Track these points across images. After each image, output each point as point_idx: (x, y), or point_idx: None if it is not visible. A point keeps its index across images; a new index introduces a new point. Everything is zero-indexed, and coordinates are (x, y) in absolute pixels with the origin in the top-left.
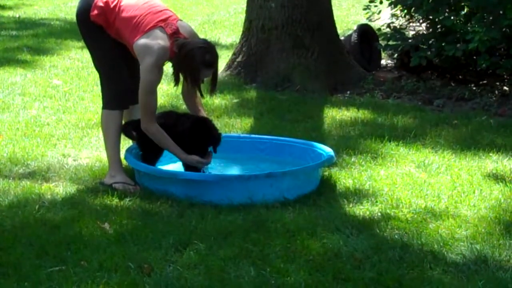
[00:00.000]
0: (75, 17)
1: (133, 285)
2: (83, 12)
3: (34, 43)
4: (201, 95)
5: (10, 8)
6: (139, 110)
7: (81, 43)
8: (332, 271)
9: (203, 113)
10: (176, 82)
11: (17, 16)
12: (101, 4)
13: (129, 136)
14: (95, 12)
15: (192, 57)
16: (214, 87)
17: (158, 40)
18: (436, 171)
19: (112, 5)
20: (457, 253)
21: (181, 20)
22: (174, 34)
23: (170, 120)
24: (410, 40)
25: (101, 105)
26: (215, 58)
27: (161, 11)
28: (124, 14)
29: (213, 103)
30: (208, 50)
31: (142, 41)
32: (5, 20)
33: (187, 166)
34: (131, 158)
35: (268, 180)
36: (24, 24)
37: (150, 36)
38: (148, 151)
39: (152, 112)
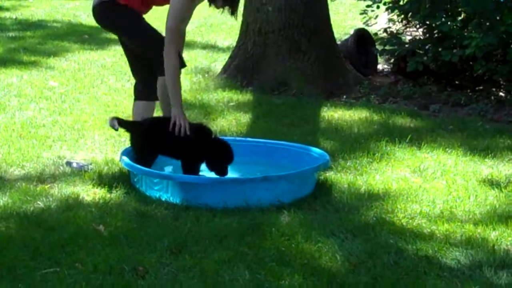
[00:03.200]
0: (95, 11)
1: (127, 287)
2: (109, 2)
3: (30, 45)
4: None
5: (7, 9)
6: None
7: (78, 45)
8: (327, 275)
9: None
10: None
11: (14, 17)
12: None
13: (112, 125)
14: None
15: None
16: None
17: None
18: (432, 176)
19: None
20: (452, 258)
21: None
22: None
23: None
24: (406, 45)
25: (97, 107)
26: None
27: None
28: None
29: (209, 106)
30: None
31: None
32: (1, 21)
33: (185, 169)
34: (125, 161)
35: (264, 184)
36: (21, 25)
37: None
38: (143, 153)
39: (179, 36)
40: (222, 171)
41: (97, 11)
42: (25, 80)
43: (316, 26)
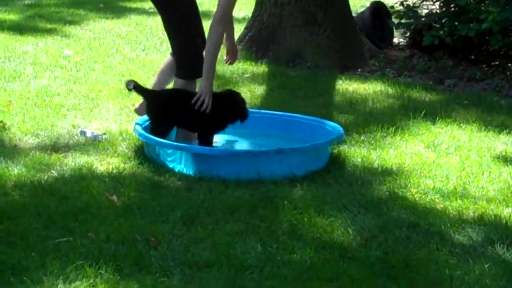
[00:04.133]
0: None
1: (139, 257)
2: None
3: (46, 12)
4: None
5: None
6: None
7: (94, 13)
8: (338, 249)
9: (234, 42)
10: None
11: None
12: None
13: (127, 84)
14: None
15: None
16: None
17: None
18: (446, 151)
19: None
20: (464, 235)
21: None
22: None
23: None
24: (423, 19)
25: (111, 76)
26: None
27: None
28: None
29: (224, 77)
30: None
31: None
32: None
33: (201, 141)
34: (139, 131)
35: (277, 157)
36: None
37: None
38: (159, 123)
39: (229, 14)
40: (246, 114)
41: None
42: (41, 48)
43: None
